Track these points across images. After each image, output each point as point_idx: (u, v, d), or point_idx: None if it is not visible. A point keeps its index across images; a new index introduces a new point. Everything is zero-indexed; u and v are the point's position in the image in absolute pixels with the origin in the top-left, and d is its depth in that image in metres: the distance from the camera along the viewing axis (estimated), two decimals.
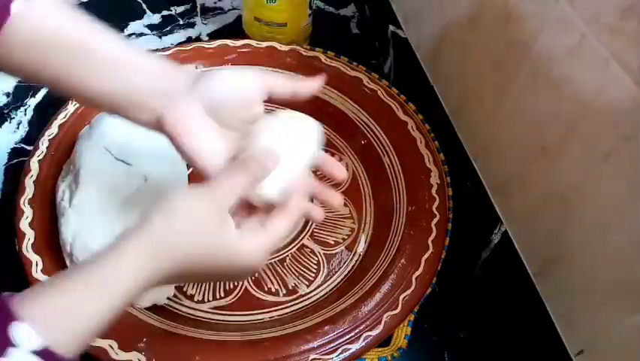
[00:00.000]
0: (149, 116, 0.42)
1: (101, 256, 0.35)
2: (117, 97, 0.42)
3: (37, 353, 0.30)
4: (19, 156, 0.66)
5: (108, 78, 0.41)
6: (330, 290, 0.57)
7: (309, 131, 0.46)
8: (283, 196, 0.42)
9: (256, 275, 0.57)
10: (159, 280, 0.37)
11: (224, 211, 0.39)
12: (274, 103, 0.47)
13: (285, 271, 0.58)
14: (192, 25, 0.83)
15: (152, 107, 0.42)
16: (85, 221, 0.52)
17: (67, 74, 0.41)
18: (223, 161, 0.43)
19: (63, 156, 0.60)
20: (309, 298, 0.56)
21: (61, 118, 0.62)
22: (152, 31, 0.82)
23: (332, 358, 0.49)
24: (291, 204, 0.42)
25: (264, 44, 0.72)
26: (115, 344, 0.47)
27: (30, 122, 0.69)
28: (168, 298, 0.55)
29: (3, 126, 0.69)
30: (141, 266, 0.35)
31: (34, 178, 0.57)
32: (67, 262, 0.52)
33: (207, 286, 0.56)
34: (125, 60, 0.42)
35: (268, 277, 0.58)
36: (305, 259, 0.59)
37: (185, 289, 0.56)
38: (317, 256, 0.59)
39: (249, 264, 0.40)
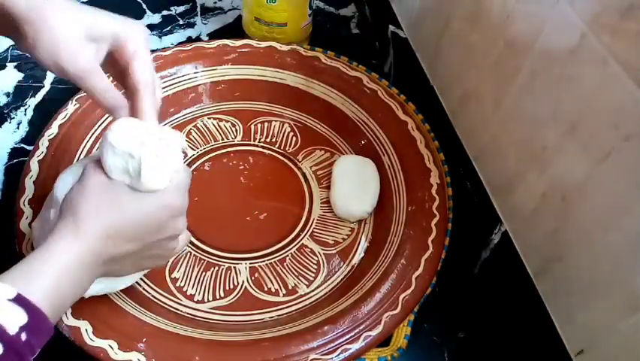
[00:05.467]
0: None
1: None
2: None
3: (14, 300, 0.34)
4: (19, 156, 0.66)
5: None
6: (330, 290, 0.57)
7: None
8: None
9: (255, 275, 0.57)
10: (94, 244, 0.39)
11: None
12: None
13: (285, 271, 0.58)
14: (192, 25, 0.83)
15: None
16: None
17: None
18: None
19: (63, 156, 0.60)
20: (308, 298, 0.56)
21: (61, 118, 0.62)
22: (152, 31, 0.82)
23: (332, 358, 0.49)
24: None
25: (264, 44, 0.72)
26: (115, 344, 0.47)
27: (30, 122, 0.69)
28: (168, 298, 0.55)
29: (3, 126, 0.69)
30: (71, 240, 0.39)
31: (34, 178, 0.57)
32: None
33: (207, 286, 0.56)
34: None
35: (268, 277, 0.58)
36: (305, 259, 0.59)
37: (185, 289, 0.56)
38: (317, 256, 0.59)
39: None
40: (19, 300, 0.34)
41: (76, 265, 0.39)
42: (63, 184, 0.45)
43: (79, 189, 0.41)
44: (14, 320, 0.33)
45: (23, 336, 0.33)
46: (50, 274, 0.37)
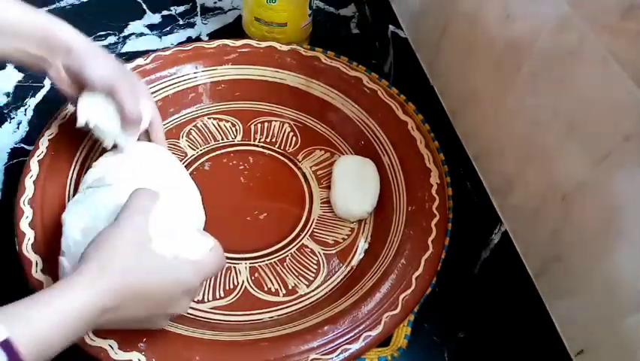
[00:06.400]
0: None
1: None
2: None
3: (1, 343, 0.33)
4: (19, 156, 0.66)
5: None
6: (330, 290, 0.57)
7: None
8: None
9: (255, 275, 0.57)
10: (102, 300, 0.39)
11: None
12: None
13: (285, 271, 0.58)
14: (192, 25, 0.83)
15: None
16: None
17: None
18: None
19: (63, 155, 0.60)
20: (308, 298, 0.56)
21: (61, 118, 0.62)
22: (152, 31, 0.82)
23: (332, 358, 0.49)
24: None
25: (264, 44, 0.72)
26: (115, 344, 0.47)
27: (30, 122, 0.69)
28: None
29: (3, 126, 0.69)
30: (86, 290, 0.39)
31: (34, 178, 0.57)
32: None
33: (207, 285, 0.56)
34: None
35: (268, 277, 0.58)
36: (305, 259, 0.59)
37: None
38: (317, 256, 0.59)
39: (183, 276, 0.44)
40: (5, 345, 0.33)
41: (77, 315, 0.38)
42: (72, 217, 0.45)
43: (112, 234, 0.41)
44: None
45: None
46: (46, 322, 0.36)
